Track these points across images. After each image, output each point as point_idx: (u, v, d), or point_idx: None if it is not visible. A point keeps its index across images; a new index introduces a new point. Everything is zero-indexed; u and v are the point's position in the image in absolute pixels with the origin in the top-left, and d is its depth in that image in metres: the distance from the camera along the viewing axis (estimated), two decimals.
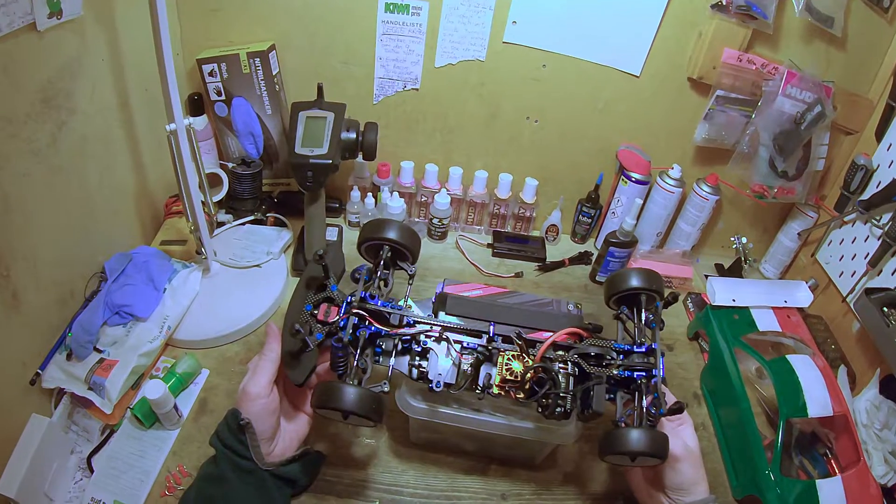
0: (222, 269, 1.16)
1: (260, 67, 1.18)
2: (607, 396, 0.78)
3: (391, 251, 0.85)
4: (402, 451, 0.94)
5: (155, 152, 1.20)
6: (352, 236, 1.34)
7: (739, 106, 1.21)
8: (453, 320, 0.79)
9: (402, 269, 0.86)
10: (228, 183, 1.21)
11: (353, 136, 1.08)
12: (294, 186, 1.36)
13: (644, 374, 0.77)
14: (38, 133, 0.89)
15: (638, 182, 1.25)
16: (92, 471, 0.89)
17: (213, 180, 1.21)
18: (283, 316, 1.11)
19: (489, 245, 1.35)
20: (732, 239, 1.30)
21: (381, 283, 0.83)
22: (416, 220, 1.34)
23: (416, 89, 1.24)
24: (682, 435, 0.79)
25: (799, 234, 1.32)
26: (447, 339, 0.77)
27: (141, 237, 1.21)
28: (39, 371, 0.93)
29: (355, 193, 1.28)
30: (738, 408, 0.99)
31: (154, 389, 0.89)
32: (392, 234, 0.83)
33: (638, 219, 1.23)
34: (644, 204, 1.28)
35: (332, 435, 0.94)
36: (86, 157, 1.01)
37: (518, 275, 1.29)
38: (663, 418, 0.76)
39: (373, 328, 0.76)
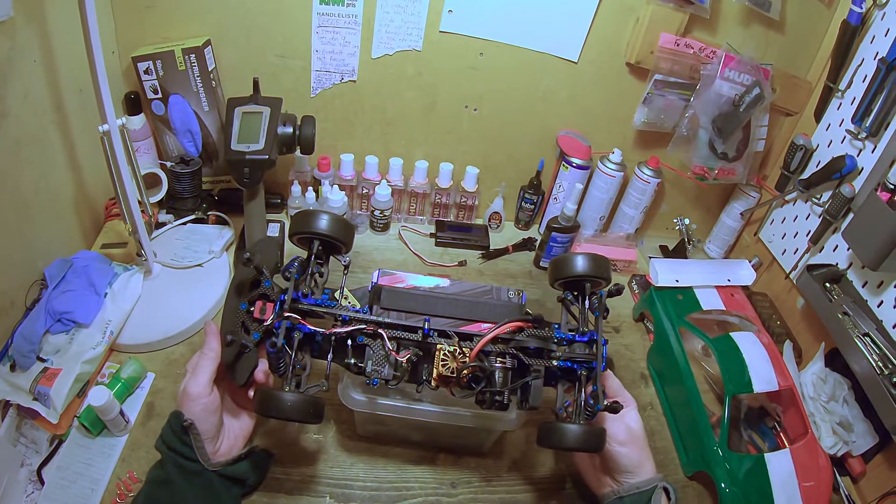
0: (164, 270, 1.16)
1: (196, 64, 1.17)
2: (551, 382, 0.80)
3: (322, 243, 0.83)
4: (350, 444, 0.96)
5: (92, 154, 1.18)
6: None
7: (678, 90, 1.23)
8: (389, 315, 0.80)
9: (336, 259, 0.85)
10: (168, 182, 1.20)
11: (290, 130, 1.08)
12: (235, 183, 1.35)
13: (585, 365, 0.78)
14: None
15: (579, 167, 1.27)
16: (43, 482, 0.89)
17: (153, 180, 1.21)
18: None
19: (432, 235, 1.36)
20: (675, 220, 1.33)
21: (317, 275, 0.82)
22: (359, 212, 1.35)
23: (354, 81, 1.24)
24: (626, 419, 0.81)
25: (741, 213, 1.35)
26: (381, 336, 0.77)
27: (82, 241, 1.20)
28: None
29: (296, 188, 1.29)
30: (684, 386, 1.02)
31: (98, 396, 0.88)
32: (321, 226, 0.80)
33: (580, 204, 1.26)
34: (586, 189, 1.31)
35: (278, 432, 0.95)
36: (20, 161, 1.00)
37: (462, 263, 1.31)
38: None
39: (307, 329, 0.76)
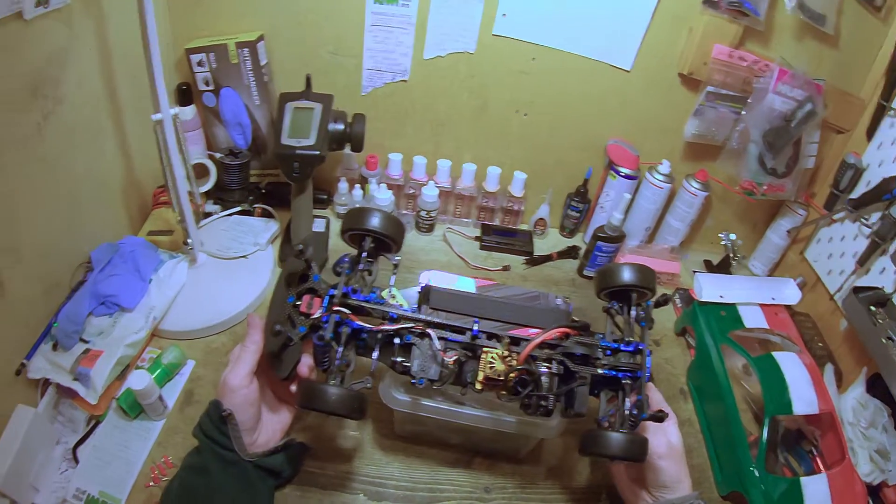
0: (209, 259, 1.17)
1: (248, 58, 1.19)
2: (594, 391, 0.79)
3: (374, 241, 0.83)
4: (387, 443, 0.95)
5: (142, 142, 1.20)
6: (339, 227, 1.34)
7: (730, 102, 1.22)
8: (438, 315, 0.79)
9: (385, 258, 0.85)
10: (216, 173, 1.22)
11: (341, 127, 1.09)
12: (282, 177, 1.36)
13: (629, 374, 0.77)
14: (24, 122, 0.89)
15: (627, 177, 1.26)
16: (77, 461, 0.90)
17: (201, 171, 1.22)
18: (267, 309, 1.14)
19: (477, 238, 1.36)
20: (721, 235, 1.31)
21: (366, 273, 0.83)
22: (404, 212, 1.35)
23: (405, 81, 1.25)
24: (666, 432, 0.80)
25: (788, 231, 1.33)
26: (430, 336, 0.76)
27: (128, 227, 1.22)
28: (25, 361, 0.93)
29: (343, 185, 1.29)
30: (723, 404, 1.00)
31: (139, 380, 0.89)
32: (374, 224, 0.81)
33: (626, 214, 1.25)
34: (633, 199, 1.30)
35: (316, 426, 0.95)
36: (73, 147, 1.01)
37: (506, 268, 1.30)
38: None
39: (355, 324, 0.75)
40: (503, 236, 1.35)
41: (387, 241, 0.83)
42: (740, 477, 0.92)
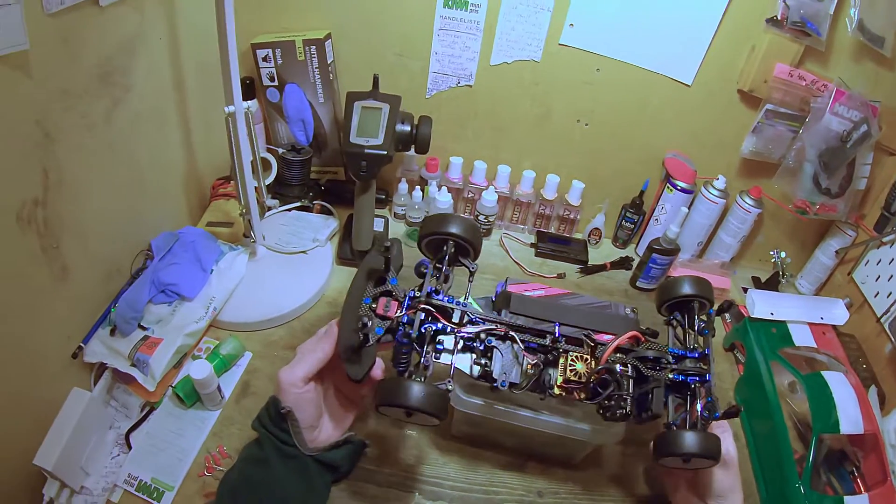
0: (268, 253, 1.18)
1: (315, 55, 1.20)
2: (664, 397, 0.79)
3: (455, 246, 0.82)
4: (443, 444, 0.96)
5: (205, 134, 1.21)
6: (397, 228, 1.36)
7: (787, 121, 1.22)
8: (518, 319, 0.79)
9: (463, 265, 0.83)
10: (277, 168, 1.22)
11: (408, 128, 1.09)
12: (341, 175, 1.38)
13: (697, 378, 0.78)
14: (93, 108, 0.90)
15: (683, 191, 1.27)
16: (130, 447, 0.90)
17: (263, 165, 1.22)
18: (329, 304, 1.14)
19: (532, 245, 1.37)
20: (771, 253, 1.32)
21: (443, 279, 0.82)
22: (462, 215, 1.35)
23: (470, 86, 1.26)
24: (724, 442, 0.80)
25: (837, 251, 1.33)
26: (512, 338, 0.76)
27: (187, 217, 1.22)
28: (82, 345, 0.94)
29: (403, 186, 1.30)
30: (771, 420, 1.00)
31: (200, 369, 0.90)
32: (458, 229, 0.80)
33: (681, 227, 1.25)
34: (687, 213, 1.30)
35: (374, 423, 0.96)
36: (139, 134, 1.03)
37: (560, 276, 1.31)
38: (711, 423, 0.78)
39: (438, 325, 0.75)
40: (558, 244, 1.36)
41: (467, 248, 0.83)
42: (785, 493, 0.92)
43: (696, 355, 0.80)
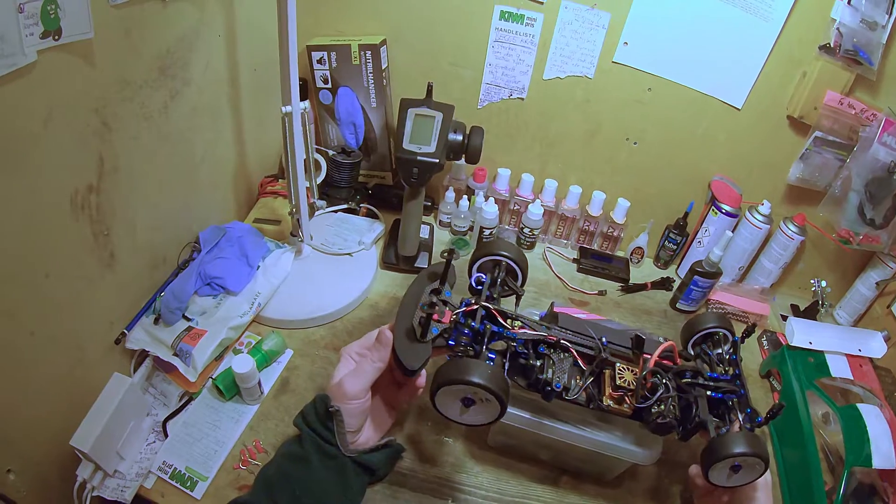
0: (313, 253, 1.15)
1: (370, 60, 1.16)
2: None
3: (505, 270, 0.85)
4: (478, 453, 0.92)
5: (255, 131, 1.20)
6: (441, 236, 1.33)
7: (835, 149, 1.17)
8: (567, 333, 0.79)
9: (511, 288, 0.85)
10: (326, 170, 1.18)
11: (460, 138, 1.06)
12: (388, 180, 1.34)
13: (734, 396, 0.78)
14: (152, 99, 0.88)
15: (728, 214, 1.22)
16: (166, 435, 0.89)
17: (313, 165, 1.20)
18: (371, 307, 1.10)
19: (575, 260, 1.32)
20: (812, 282, 1.26)
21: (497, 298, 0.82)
22: (507, 227, 1.31)
23: (522, 98, 1.21)
24: None
25: (877, 283, 1.27)
26: (565, 347, 0.76)
27: (234, 212, 1.20)
28: (126, 332, 0.92)
29: (450, 194, 1.26)
30: (804, 450, 0.96)
31: (243, 363, 0.88)
32: (510, 252, 0.84)
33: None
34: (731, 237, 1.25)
35: (411, 429, 0.94)
36: (194, 128, 1.01)
37: (601, 293, 1.26)
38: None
39: (496, 327, 0.74)
40: (600, 261, 1.31)
41: (515, 271, 0.85)
42: None
43: (728, 378, 0.80)
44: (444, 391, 0.66)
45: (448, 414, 0.70)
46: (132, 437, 0.86)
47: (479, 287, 0.82)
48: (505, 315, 0.76)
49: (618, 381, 0.74)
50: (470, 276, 0.86)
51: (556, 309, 0.85)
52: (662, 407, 0.74)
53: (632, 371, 0.76)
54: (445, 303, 0.75)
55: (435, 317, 0.73)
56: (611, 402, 0.74)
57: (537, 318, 0.82)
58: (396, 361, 0.73)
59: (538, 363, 0.74)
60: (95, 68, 0.74)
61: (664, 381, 0.75)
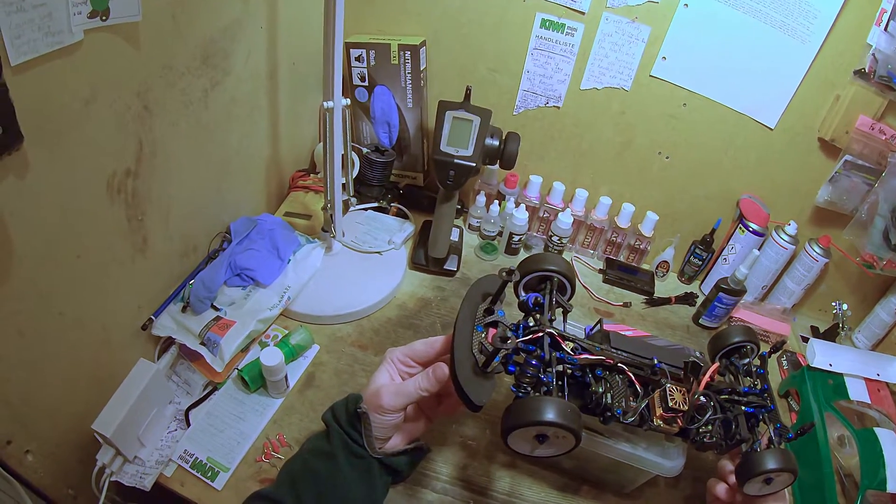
0: (343, 249, 1.10)
1: (409, 61, 1.11)
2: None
3: (553, 285, 0.79)
4: (501, 457, 0.88)
5: (290, 126, 1.15)
6: (470, 240, 1.28)
7: (864, 173, 1.12)
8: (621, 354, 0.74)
9: (560, 304, 0.78)
10: (359, 167, 1.13)
11: (496, 143, 1.01)
12: (420, 181, 1.29)
13: (764, 410, 0.76)
14: (192, 87, 0.84)
15: (755, 233, 1.16)
16: (189, 424, 0.85)
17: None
18: (399, 307, 1.05)
19: (601, 271, 1.26)
20: (833, 304, 1.20)
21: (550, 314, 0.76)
22: (535, 234, 1.25)
23: (558, 107, 1.16)
24: None
25: None
26: (621, 370, 0.72)
27: (265, 205, 1.16)
28: (153, 318, 0.89)
29: (481, 198, 1.20)
30: (820, 471, 0.92)
31: (271, 356, 0.84)
32: (561, 268, 0.79)
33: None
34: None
35: (434, 429, 0.87)
36: (231, 118, 0.97)
37: (626, 304, 1.20)
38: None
39: (560, 353, 0.68)
40: (626, 272, 1.25)
41: (565, 285, 0.81)
42: None
43: (758, 391, 0.78)
44: (518, 433, 0.61)
45: (520, 450, 0.65)
46: (154, 424, 0.82)
47: (537, 308, 0.74)
48: (563, 338, 0.70)
49: (669, 403, 0.71)
50: (515, 291, 0.81)
51: (605, 327, 0.80)
52: (710, 427, 0.72)
53: (680, 391, 0.72)
54: (499, 323, 0.69)
55: (490, 340, 0.67)
56: (661, 423, 0.71)
57: (582, 334, 0.78)
58: (460, 394, 0.65)
59: (599, 389, 0.70)
60: (140, 51, 0.71)
61: (712, 402, 0.72)
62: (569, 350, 0.69)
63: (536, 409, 0.59)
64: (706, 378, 0.72)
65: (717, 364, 0.75)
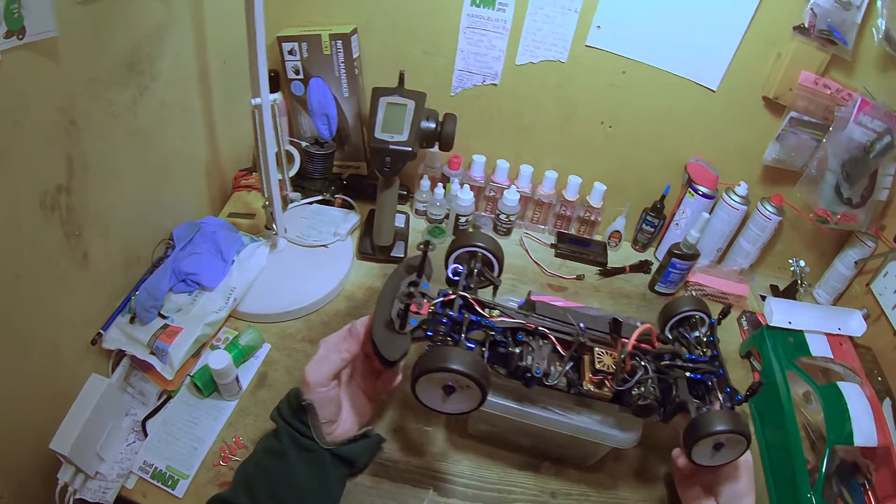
0: (288, 246, 1.17)
1: (341, 50, 1.18)
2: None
3: (482, 260, 0.88)
4: (459, 441, 0.95)
5: (227, 125, 1.20)
6: (417, 225, 1.34)
7: (811, 129, 1.20)
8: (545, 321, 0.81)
9: (488, 279, 0.88)
10: (300, 161, 1.20)
11: (433, 125, 1.08)
12: (363, 170, 1.36)
13: (713, 376, 0.82)
14: (120, 96, 0.89)
15: (704, 196, 1.24)
16: (146, 434, 0.90)
17: (286, 157, 1.21)
18: (348, 298, 1.12)
19: (552, 245, 1.35)
20: (790, 262, 1.29)
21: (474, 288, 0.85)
22: (483, 213, 1.34)
23: (495, 84, 1.23)
24: None
25: (856, 262, 1.31)
26: (543, 333, 0.79)
27: (209, 208, 1.21)
28: (101, 332, 0.93)
29: (425, 182, 1.28)
30: (785, 430, 0.98)
31: (218, 359, 0.89)
32: (487, 243, 0.89)
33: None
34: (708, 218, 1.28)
35: (392, 419, 0.95)
36: (164, 123, 1.02)
37: (580, 277, 1.28)
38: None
39: (474, 316, 0.76)
40: (578, 245, 1.33)
41: (491, 261, 0.90)
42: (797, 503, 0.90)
43: (706, 359, 0.83)
44: (424, 379, 0.68)
45: (429, 403, 0.71)
46: (112, 437, 0.87)
47: (457, 278, 0.85)
48: (482, 304, 0.78)
49: (597, 366, 0.77)
50: (447, 268, 0.88)
51: (533, 297, 0.86)
52: (643, 389, 0.77)
53: (611, 355, 0.79)
54: (423, 294, 0.78)
55: (413, 308, 0.75)
56: (591, 387, 0.77)
57: (516, 307, 0.84)
58: (376, 353, 0.74)
59: (517, 351, 0.77)
60: (61, 67, 0.75)
61: (643, 363, 0.78)
62: (487, 315, 0.77)
63: (441, 356, 0.67)
64: (634, 339, 0.77)
65: (648, 325, 0.81)
